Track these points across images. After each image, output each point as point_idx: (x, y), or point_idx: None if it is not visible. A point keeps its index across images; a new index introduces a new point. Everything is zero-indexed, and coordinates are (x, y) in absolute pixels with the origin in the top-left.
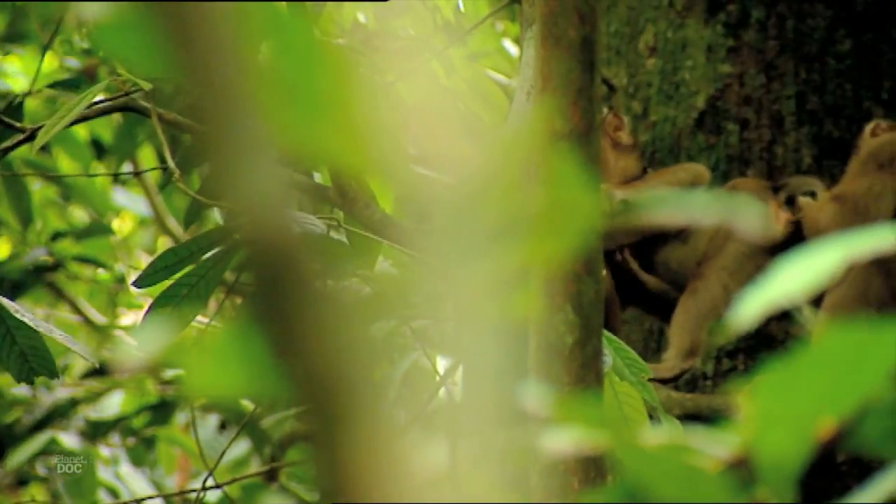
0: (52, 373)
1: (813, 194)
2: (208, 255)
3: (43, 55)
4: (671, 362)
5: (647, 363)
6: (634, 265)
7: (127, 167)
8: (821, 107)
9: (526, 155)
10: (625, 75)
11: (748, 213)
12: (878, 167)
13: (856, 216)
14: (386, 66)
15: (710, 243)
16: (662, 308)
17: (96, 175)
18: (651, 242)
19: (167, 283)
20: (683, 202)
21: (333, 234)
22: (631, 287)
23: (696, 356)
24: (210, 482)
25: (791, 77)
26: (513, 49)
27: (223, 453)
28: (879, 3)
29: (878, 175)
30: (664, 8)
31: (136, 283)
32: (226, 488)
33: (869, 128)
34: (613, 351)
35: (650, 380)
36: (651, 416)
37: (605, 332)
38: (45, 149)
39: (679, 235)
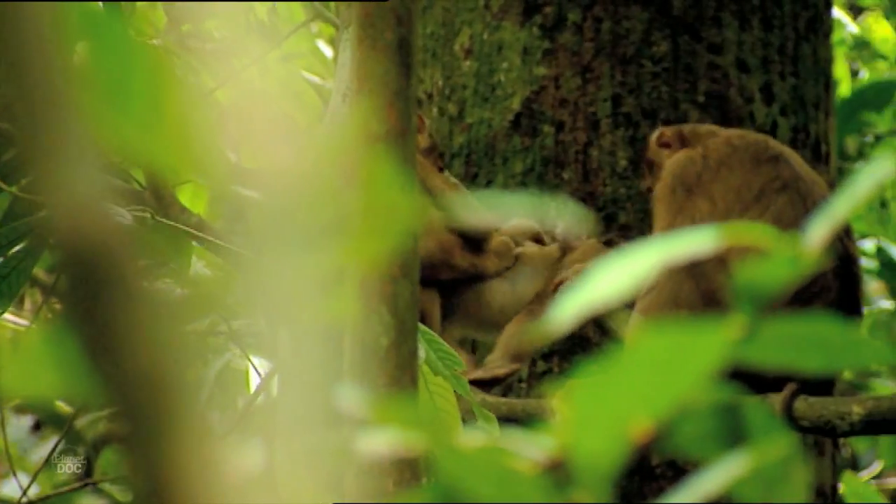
0: None
1: None
2: (19, 246)
3: None
4: (492, 364)
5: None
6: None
7: None
8: (637, 109)
9: (342, 157)
10: (440, 77)
11: (568, 216)
12: (688, 192)
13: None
14: (201, 66)
15: (552, 275)
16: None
17: None
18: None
19: None
20: (505, 204)
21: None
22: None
23: (519, 364)
24: (27, 484)
25: (607, 79)
26: (327, 50)
27: (48, 460)
28: (695, 6)
29: (691, 203)
30: (480, 10)
31: None
32: (39, 488)
33: (653, 138)
34: (427, 344)
35: (475, 383)
36: (467, 415)
37: (420, 326)
38: None
39: (506, 280)
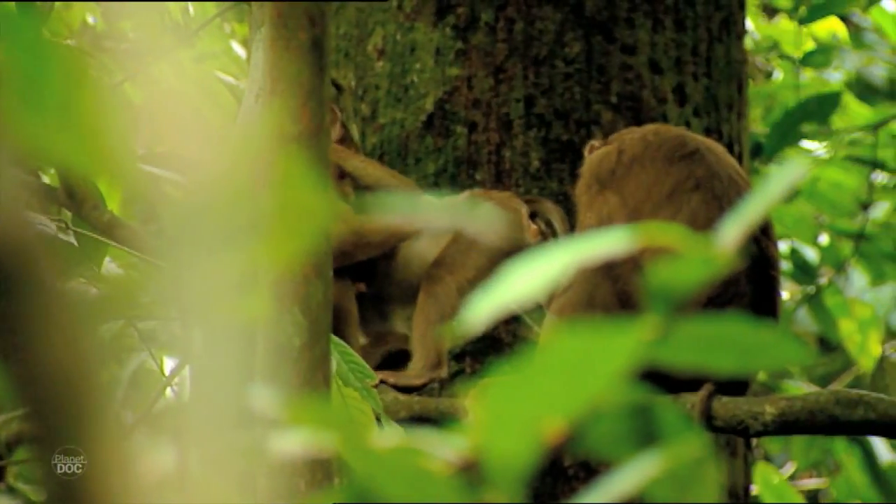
0: None
1: (549, 224)
2: None
3: None
4: (417, 371)
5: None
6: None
7: None
8: (549, 110)
9: (256, 157)
10: (353, 78)
11: (491, 217)
12: (601, 186)
13: None
14: (115, 67)
15: (451, 247)
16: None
17: None
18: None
19: None
20: (429, 206)
21: (61, 234)
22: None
23: (443, 366)
24: None
25: (520, 80)
26: (241, 50)
27: None
28: (608, 7)
29: (602, 197)
30: (393, 11)
31: None
32: None
33: (586, 152)
34: (339, 355)
35: (400, 388)
36: (377, 420)
37: (332, 337)
38: None
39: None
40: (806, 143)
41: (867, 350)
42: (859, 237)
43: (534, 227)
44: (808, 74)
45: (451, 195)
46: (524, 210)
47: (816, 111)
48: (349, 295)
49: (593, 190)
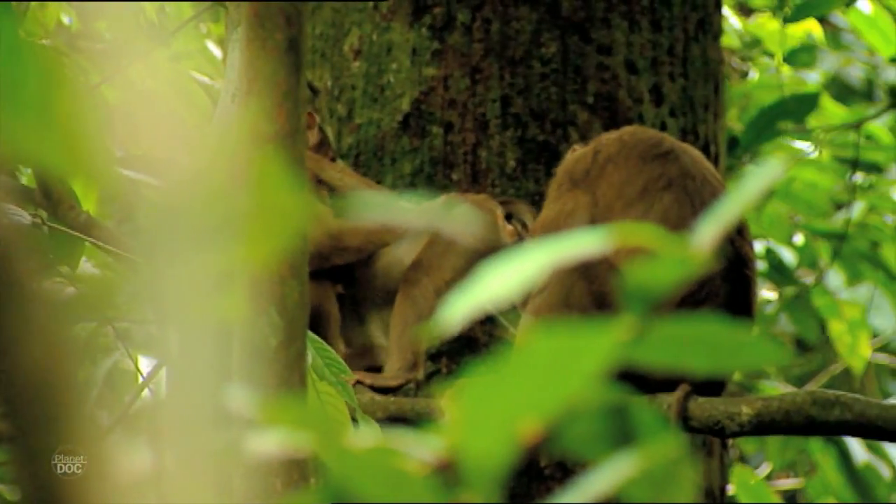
0: None
1: (525, 225)
2: None
3: None
4: (394, 372)
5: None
6: None
7: None
8: (526, 110)
9: (231, 157)
10: (329, 78)
11: (468, 220)
12: (573, 185)
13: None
14: (91, 67)
15: (427, 250)
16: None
17: None
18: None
19: None
20: (405, 210)
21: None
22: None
23: (419, 368)
24: None
25: (496, 80)
26: (217, 50)
27: None
28: (585, 7)
29: (571, 193)
30: (369, 11)
31: None
32: None
33: (568, 153)
34: (315, 350)
35: (376, 389)
36: (352, 419)
37: (308, 333)
38: None
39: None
40: (784, 142)
41: (857, 352)
42: (840, 237)
43: (510, 228)
44: (785, 74)
45: (428, 196)
46: (500, 211)
47: (794, 110)
48: (330, 297)
49: (563, 188)
